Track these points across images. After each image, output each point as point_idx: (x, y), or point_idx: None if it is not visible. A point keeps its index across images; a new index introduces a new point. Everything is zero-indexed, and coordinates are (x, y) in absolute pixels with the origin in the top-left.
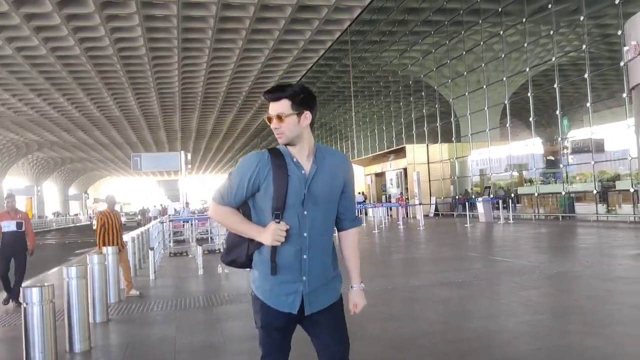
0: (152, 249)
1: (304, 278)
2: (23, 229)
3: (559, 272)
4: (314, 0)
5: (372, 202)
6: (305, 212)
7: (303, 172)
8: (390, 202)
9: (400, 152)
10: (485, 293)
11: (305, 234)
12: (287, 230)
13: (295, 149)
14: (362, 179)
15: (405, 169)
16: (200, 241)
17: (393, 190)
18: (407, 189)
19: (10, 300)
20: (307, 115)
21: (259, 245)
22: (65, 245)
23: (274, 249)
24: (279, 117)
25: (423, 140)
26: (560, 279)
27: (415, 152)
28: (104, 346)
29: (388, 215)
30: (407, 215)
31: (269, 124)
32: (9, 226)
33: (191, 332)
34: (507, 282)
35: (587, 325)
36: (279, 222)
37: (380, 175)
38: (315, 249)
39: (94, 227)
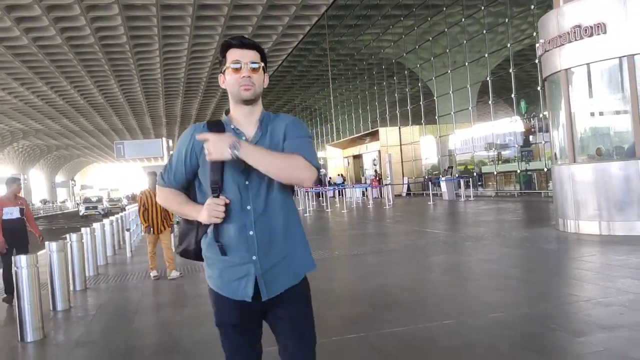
0: (128, 230)
1: (254, 257)
2: (24, 215)
3: (471, 240)
4: None
5: (350, 183)
6: (247, 183)
7: (244, 138)
8: (366, 183)
9: (375, 135)
10: (401, 259)
11: (248, 207)
12: (227, 205)
13: (245, 112)
14: (340, 161)
15: (379, 152)
16: (179, 223)
17: (370, 172)
18: (376, 170)
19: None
20: (266, 79)
21: (207, 227)
22: (53, 231)
23: (215, 227)
24: (254, 67)
25: (397, 123)
26: (465, 246)
27: (388, 135)
28: (81, 306)
29: (364, 196)
30: (380, 196)
31: (233, 72)
32: (12, 213)
33: (154, 296)
34: (423, 250)
35: (460, 279)
36: (217, 197)
37: (357, 158)
38: (263, 223)
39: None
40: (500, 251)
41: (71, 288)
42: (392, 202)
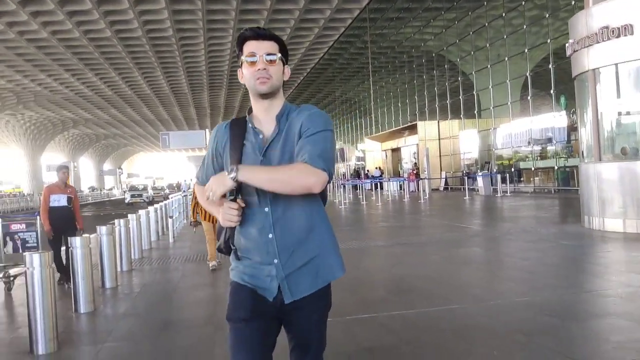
0: (171, 217)
1: (275, 261)
2: (72, 204)
3: (496, 235)
4: None
5: (388, 176)
6: None
7: (260, 137)
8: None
9: (413, 129)
10: (425, 251)
11: (266, 209)
12: (244, 208)
13: (264, 107)
14: (379, 154)
15: (417, 145)
16: None
17: (408, 165)
18: (415, 164)
19: (65, 282)
20: (287, 71)
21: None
22: (100, 217)
23: (231, 231)
24: (270, 59)
25: (436, 117)
26: (490, 241)
27: (427, 129)
28: (127, 284)
29: (401, 190)
30: (417, 190)
31: (249, 66)
32: (59, 200)
33: (192, 277)
34: (448, 243)
35: (475, 270)
36: (233, 199)
37: (396, 151)
38: (283, 225)
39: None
40: (522, 246)
41: (118, 269)
42: (428, 196)
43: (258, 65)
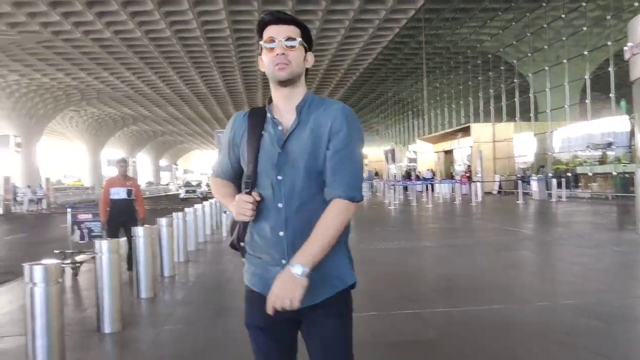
0: (224, 212)
1: (283, 261)
2: (132, 196)
3: (547, 240)
4: None
5: (439, 178)
6: (279, 178)
7: (280, 128)
8: (456, 179)
9: (467, 131)
10: (472, 252)
11: (280, 205)
12: (259, 202)
13: (283, 95)
14: (431, 155)
15: (471, 148)
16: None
17: (460, 168)
18: (469, 167)
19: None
20: (310, 58)
21: (246, 224)
22: (157, 211)
23: (244, 226)
24: (289, 44)
25: (490, 119)
26: (539, 245)
27: (481, 131)
28: (183, 274)
29: (453, 192)
30: (470, 192)
31: (267, 52)
32: (119, 193)
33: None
34: (495, 246)
35: (520, 272)
36: (247, 192)
37: (449, 153)
38: (295, 223)
39: None
40: (573, 251)
41: (176, 259)
42: (480, 199)
43: (277, 50)
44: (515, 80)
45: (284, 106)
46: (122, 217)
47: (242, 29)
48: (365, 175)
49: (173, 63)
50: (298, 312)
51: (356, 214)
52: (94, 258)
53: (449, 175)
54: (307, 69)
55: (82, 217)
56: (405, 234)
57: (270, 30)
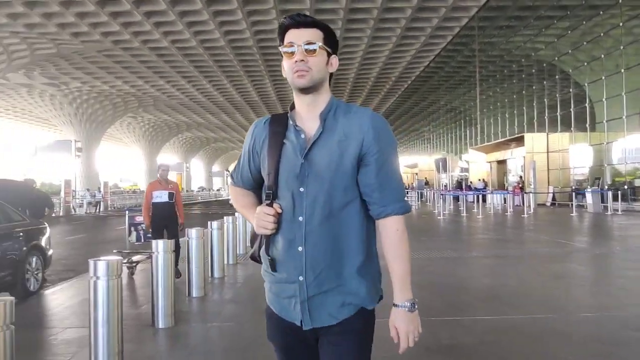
0: None
1: (300, 278)
2: (174, 199)
3: (597, 253)
4: None
5: (492, 189)
6: (301, 190)
7: (302, 137)
8: (508, 190)
9: (520, 140)
10: (519, 263)
11: (300, 219)
12: (280, 214)
13: (306, 103)
14: (483, 165)
15: (524, 158)
16: None
17: (513, 178)
18: (521, 177)
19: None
20: (335, 61)
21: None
22: (209, 215)
23: (266, 239)
24: (309, 49)
25: (544, 129)
26: (587, 258)
27: (535, 141)
28: (232, 275)
29: (505, 203)
30: (522, 203)
31: (287, 58)
32: (161, 196)
33: None
34: (543, 258)
35: (565, 284)
36: (269, 204)
37: (501, 163)
38: (316, 238)
39: None
40: (622, 265)
41: (225, 261)
42: (532, 210)
43: (296, 56)
44: (571, 90)
45: (307, 114)
46: (164, 220)
47: None
48: (414, 184)
49: (226, 71)
50: (315, 330)
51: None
52: (149, 258)
53: (502, 186)
54: (331, 73)
55: (138, 219)
56: (453, 244)
57: (291, 35)
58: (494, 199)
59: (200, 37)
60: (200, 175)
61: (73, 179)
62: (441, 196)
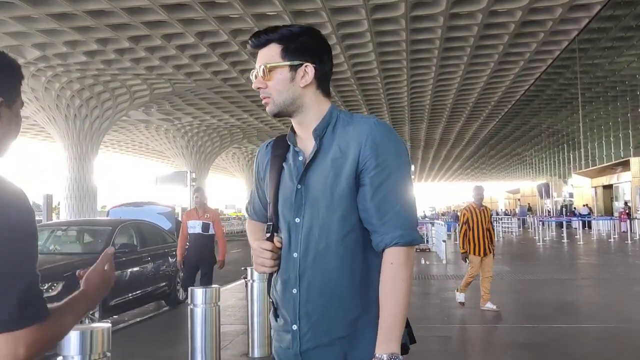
0: None
1: (294, 327)
2: (211, 231)
3: None
4: (536, 15)
5: (597, 215)
6: (297, 220)
7: (300, 159)
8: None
9: (627, 165)
10: (607, 285)
11: (295, 255)
12: (279, 249)
13: (296, 124)
14: (588, 190)
15: (631, 182)
16: None
17: (619, 204)
18: (626, 203)
19: None
20: (309, 70)
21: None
22: None
23: (269, 278)
24: (264, 71)
25: None
26: None
27: None
28: None
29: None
30: (630, 230)
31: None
32: (195, 227)
33: None
34: (632, 280)
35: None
36: (268, 238)
37: (607, 188)
38: (310, 278)
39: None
40: None
41: None
42: (638, 237)
43: (256, 82)
44: None
45: (302, 133)
46: (197, 254)
47: (389, 68)
48: (517, 210)
49: None
50: None
51: (501, 250)
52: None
53: (608, 212)
54: (322, 81)
55: None
56: (545, 268)
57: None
58: (599, 226)
59: None
60: None
61: (188, 206)
62: (541, 222)
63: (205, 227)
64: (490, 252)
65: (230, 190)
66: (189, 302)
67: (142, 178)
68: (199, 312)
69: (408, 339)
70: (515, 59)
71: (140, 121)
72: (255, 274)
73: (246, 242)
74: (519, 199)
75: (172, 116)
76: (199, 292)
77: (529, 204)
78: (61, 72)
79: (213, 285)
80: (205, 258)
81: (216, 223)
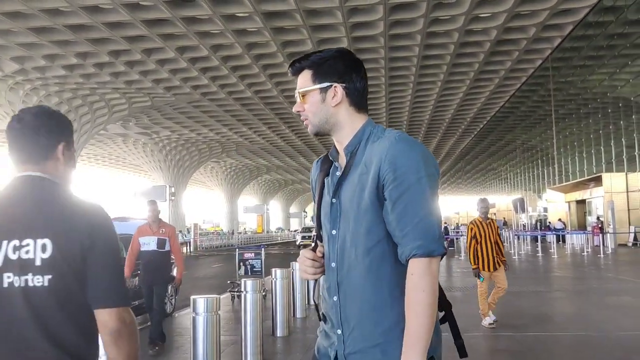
0: None
1: (339, 331)
2: (167, 247)
3: None
4: (511, 35)
5: (570, 229)
6: (333, 232)
7: (338, 174)
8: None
9: (599, 180)
10: (579, 297)
11: (333, 265)
12: (321, 258)
13: (335, 142)
14: (562, 205)
15: (603, 197)
16: None
17: (592, 218)
18: (599, 217)
19: (150, 343)
20: (338, 90)
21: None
22: (290, 254)
23: (315, 285)
24: (297, 100)
25: (624, 168)
26: None
27: (613, 181)
28: (301, 331)
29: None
30: (602, 244)
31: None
32: (148, 244)
33: None
34: (605, 293)
35: (618, 314)
36: (313, 247)
37: (581, 203)
38: (346, 287)
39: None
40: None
41: (306, 303)
42: (611, 250)
43: (295, 107)
44: None
45: (340, 149)
46: (151, 273)
47: (395, 83)
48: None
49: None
50: None
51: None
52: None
53: (582, 226)
54: (352, 97)
55: (247, 255)
56: (522, 281)
57: None
58: (573, 240)
59: (281, 87)
60: (278, 216)
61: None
62: (516, 236)
63: (161, 243)
64: (500, 265)
65: (208, 204)
66: (191, 310)
67: (119, 192)
68: (200, 320)
69: (459, 352)
70: (490, 76)
71: (118, 135)
72: (249, 286)
73: (226, 257)
74: (494, 214)
75: (150, 130)
76: (200, 301)
77: (504, 218)
78: (39, 86)
79: (213, 295)
80: (161, 277)
81: (172, 239)
